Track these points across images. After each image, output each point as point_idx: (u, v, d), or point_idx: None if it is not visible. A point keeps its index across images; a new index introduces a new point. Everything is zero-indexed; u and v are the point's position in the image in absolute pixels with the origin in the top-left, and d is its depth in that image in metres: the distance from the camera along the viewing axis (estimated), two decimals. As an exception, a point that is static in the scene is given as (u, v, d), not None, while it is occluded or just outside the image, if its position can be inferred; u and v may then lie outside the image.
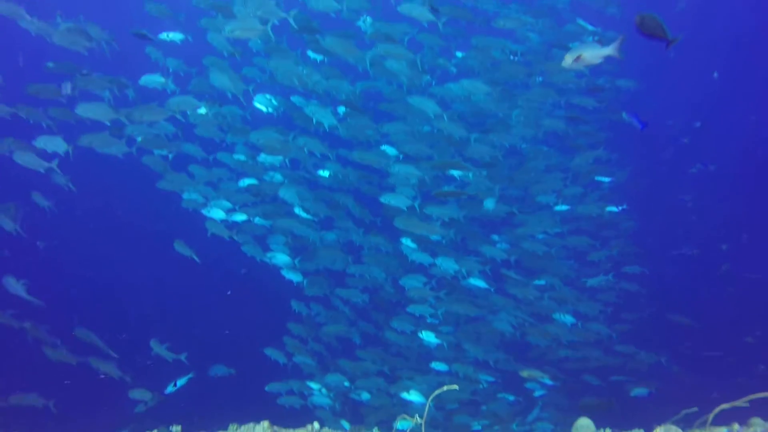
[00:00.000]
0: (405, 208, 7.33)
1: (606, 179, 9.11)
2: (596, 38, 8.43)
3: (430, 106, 6.98)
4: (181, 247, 7.75)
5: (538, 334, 8.35)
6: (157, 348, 7.88)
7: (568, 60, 4.69)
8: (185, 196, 7.99)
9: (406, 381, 8.17)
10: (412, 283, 8.17)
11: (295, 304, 8.93)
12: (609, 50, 4.55)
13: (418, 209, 7.29)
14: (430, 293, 8.04)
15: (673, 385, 9.92)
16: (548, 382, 8.41)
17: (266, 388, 8.63)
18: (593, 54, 4.62)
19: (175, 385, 7.36)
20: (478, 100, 7.57)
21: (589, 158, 8.51)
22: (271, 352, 8.97)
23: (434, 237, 7.75)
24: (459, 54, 7.94)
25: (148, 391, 7.94)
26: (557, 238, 8.60)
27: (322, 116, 7.10)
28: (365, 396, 8.32)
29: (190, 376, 7.71)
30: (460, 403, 8.38)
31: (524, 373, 7.73)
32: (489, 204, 7.93)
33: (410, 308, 8.14)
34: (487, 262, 8.15)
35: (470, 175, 7.71)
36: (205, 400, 10.43)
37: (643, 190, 10.04)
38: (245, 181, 8.19)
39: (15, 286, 7.17)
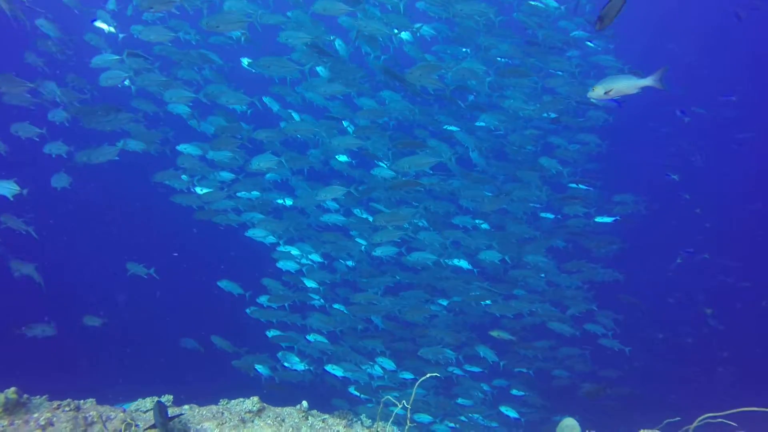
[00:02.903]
0: (343, 196, 7.29)
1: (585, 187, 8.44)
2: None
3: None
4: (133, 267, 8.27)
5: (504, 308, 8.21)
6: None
7: (599, 92, 4.45)
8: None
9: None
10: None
11: (282, 264, 8.55)
12: (648, 81, 4.29)
13: (356, 193, 7.25)
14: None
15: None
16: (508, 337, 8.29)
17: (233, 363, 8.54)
18: (629, 85, 4.40)
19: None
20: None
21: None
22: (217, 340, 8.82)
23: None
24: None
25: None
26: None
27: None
28: (338, 372, 8.27)
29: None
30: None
31: (494, 333, 8.06)
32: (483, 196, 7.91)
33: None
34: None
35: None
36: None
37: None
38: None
39: None
